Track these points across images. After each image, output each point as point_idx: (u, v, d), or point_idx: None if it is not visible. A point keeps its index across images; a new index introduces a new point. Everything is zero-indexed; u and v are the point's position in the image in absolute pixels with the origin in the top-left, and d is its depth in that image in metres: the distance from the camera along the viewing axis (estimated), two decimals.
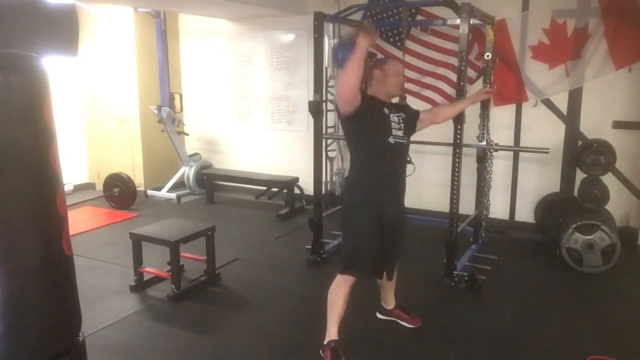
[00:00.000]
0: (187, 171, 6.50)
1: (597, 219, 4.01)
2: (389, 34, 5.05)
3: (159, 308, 3.50)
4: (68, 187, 6.32)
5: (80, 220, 5.41)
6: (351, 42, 2.48)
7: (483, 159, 4.46)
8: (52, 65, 2.64)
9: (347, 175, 3.03)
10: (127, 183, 5.95)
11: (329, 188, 5.79)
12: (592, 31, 4.46)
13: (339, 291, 2.78)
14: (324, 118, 4.62)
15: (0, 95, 1.86)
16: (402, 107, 2.93)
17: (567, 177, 4.88)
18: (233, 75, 6.57)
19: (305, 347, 2.93)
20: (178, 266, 3.65)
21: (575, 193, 4.57)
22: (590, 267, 3.98)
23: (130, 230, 3.84)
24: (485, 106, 4.32)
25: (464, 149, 3.78)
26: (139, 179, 6.43)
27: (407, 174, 2.95)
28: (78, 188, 6.70)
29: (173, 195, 6.32)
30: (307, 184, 5.66)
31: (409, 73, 4.89)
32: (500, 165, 4.92)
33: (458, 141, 3.67)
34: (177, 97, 6.49)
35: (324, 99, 4.66)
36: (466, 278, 3.73)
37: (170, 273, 3.62)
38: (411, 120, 2.93)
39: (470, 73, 4.76)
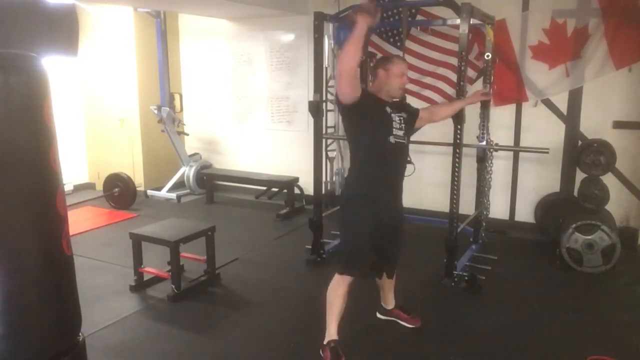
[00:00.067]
0: (187, 171, 6.50)
1: (597, 219, 4.01)
2: (389, 34, 5.05)
3: (159, 308, 3.50)
4: (68, 187, 6.32)
5: (80, 220, 5.41)
6: (351, 22, 2.44)
7: (483, 159, 4.46)
8: (52, 65, 2.64)
9: (346, 175, 3.03)
10: (127, 183, 5.95)
11: (329, 188, 5.79)
12: (592, 31, 4.46)
13: (337, 290, 2.79)
14: (324, 118, 4.62)
15: (0, 95, 1.86)
16: (403, 107, 2.92)
17: (567, 177, 4.88)
18: (233, 75, 6.57)
19: (305, 347, 2.93)
20: (178, 266, 3.65)
21: (575, 193, 4.57)
22: (590, 267, 3.98)
23: (130, 230, 3.84)
24: (485, 106, 4.32)
25: (464, 149, 3.78)
26: (139, 179, 6.43)
27: (407, 173, 2.95)
28: (78, 188, 6.70)
29: (173, 195, 6.32)
30: (307, 184, 5.66)
31: (409, 73, 4.87)
32: (500, 165, 4.92)
33: (458, 141, 3.67)
34: (177, 97, 6.49)
35: (324, 99, 4.66)
36: (466, 278, 3.73)
37: (170, 273, 3.62)
38: (412, 119, 2.93)
39: (470, 73, 4.76)
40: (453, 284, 3.73)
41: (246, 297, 3.69)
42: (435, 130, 4.31)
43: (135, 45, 6.26)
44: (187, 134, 6.79)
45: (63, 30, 2.39)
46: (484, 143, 4.33)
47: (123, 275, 3.90)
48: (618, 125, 4.60)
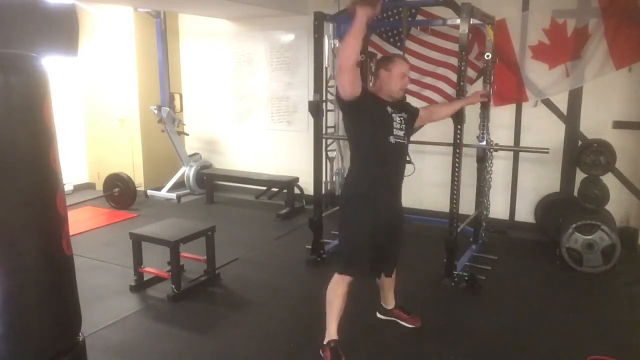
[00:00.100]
0: (187, 171, 6.50)
1: (597, 219, 4.01)
2: (389, 34, 5.05)
3: (159, 308, 3.50)
4: (68, 187, 6.32)
5: (80, 220, 5.41)
6: (351, 14, 2.41)
7: (483, 159, 4.46)
8: (52, 65, 2.64)
9: (346, 175, 3.03)
10: (127, 183, 5.95)
11: (329, 188, 5.79)
12: (592, 31, 4.46)
13: (337, 290, 2.79)
14: (324, 118, 4.62)
15: (0, 95, 1.86)
16: (404, 107, 2.91)
17: (567, 177, 4.88)
18: (233, 75, 6.57)
19: (305, 347, 2.93)
20: (178, 266, 3.65)
21: (575, 193, 4.57)
22: (590, 267, 3.98)
23: (130, 230, 3.84)
24: (485, 106, 4.32)
25: (464, 149, 3.78)
26: (139, 179, 6.43)
27: (407, 173, 2.95)
28: (78, 188, 6.70)
29: (173, 195, 6.32)
30: (307, 184, 5.66)
31: (409, 73, 4.88)
32: (500, 165, 4.92)
33: (458, 141, 3.67)
34: (177, 97, 6.49)
35: (324, 99, 4.66)
36: (466, 278, 3.73)
37: (170, 273, 3.62)
38: (412, 119, 2.93)
39: (470, 73, 4.76)
40: (453, 284, 3.73)
41: (246, 297, 3.69)
42: (435, 130, 4.32)
43: (135, 45, 6.26)
44: (187, 134, 6.79)
45: (63, 30, 2.39)
46: (484, 143, 4.33)
47: (123, 275, 3.90)
48: (618, 125, 4.59)
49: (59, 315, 2.13)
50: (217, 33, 6.51)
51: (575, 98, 4.74)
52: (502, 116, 4.95)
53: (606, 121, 4.63)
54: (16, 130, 1.92)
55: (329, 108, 5.55)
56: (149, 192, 6.49)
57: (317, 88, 4.11)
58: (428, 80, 5.03)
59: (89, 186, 6.90)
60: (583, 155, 4.25)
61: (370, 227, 2.74)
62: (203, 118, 6.87)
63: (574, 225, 3.99)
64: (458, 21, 3.62)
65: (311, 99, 4.17)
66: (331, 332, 2.79)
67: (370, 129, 2.71)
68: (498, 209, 5.07)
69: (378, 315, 3.27)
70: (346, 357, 2.75)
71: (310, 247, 4.29)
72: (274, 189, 6.21)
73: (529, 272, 4.10)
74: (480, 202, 4.56)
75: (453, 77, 4.64)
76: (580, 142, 4.72)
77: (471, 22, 3.61)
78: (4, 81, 1.87)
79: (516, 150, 4.98)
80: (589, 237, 3.96)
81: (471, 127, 4.23)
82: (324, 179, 5.13)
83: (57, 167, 2.08)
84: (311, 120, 4.25)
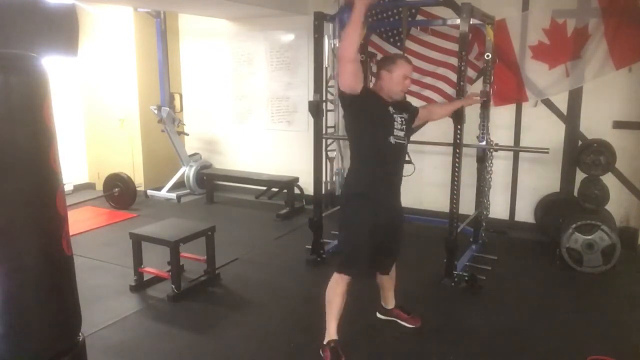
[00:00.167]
0: (187, 171, 6.50)
1: (597, 219, 4.01)
2: (389, 34, 5.05)
3: (159, 308, 3.50)
4: (68, 187, 6.32)
5: (80, 220, 5.41)
6: (349, 4, 2.41)
7: (483, 159, 4.47)
8: (52, 65, 2.64)
9: (346, 174, 3.03)
10: (127, 183, 5.95)
11: (329, 188, 5.80)
12: (592, 31, 4.46)
13: (336, 289, 2.79)
14: (324, 118, 4.62)
15: (0, 95, 1.86)
16: (405, 107, 2.89)
17: (567, 177, 4.88)
18: (233, 75, 6.57)
19: (305, 347, 2.93)
20: (178, 266, 3.65)
21: (575, 193, 4.57)
22: (590, 267, 3.98)
23: (130, 230, 3.84)
24: (485, 106, 4.32)
25: (464, 149, 3.78)
26: (139, 179, 6.43)
27: (407, 173, 2.95)
28: (78, 188, 6.70)
29: (173, 195, 6.32)
30: (307, 184, 5.66)
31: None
32: (500, 165, 4.92)
33: (458, 141, 3.67)
34: (177, 97, 6.49)
35: (324, 99, 4.66)
36: (466, 278, 3.73)
37: (170, 273, 3.62)
38: (412, 119, 2.93)
39: (470, 73, 4.76)
40: (453, 284, 3.73)
41: (246, 297, 3.69)
42: (435, 130, 4.32)
43: (135, 45, 6.26)
44: (187, 134, 6.79)
45: (63, 30, 2.39)
46: (484, 143, 4.33)
47: (123, 275, 3.90)
48: (618, 125, 4.59)
49: (59, 315, 2.13)
50: (217, 33, 6.51)
51: (575, 98, 4.74)
52: (502, 116, 4.95)
53: (606, 121, 4.63)
54: (16, 130, 1.92)
55: (329, 108, 5.55)
56: (149, 192, 6.49)
57: (317, 88, 4.11)
58: (428, 80, 5.03)
59: (89, 186, 6.90)
60: (583, 155, 4.25)
61: (370, 227, 2.73)
62: (203, 118, 6.87)
63: (574, 225, 3.99)
64: (458, 21, 3.62)
65: (311, 99, 4.17)
66: (331, 332, 2.80)
67: (370, 129, 2.70)
68: (498, 209, 5.07)
69: (378, 315, 3.27)
70: (346, 357, 2.75)
71: (310, 247, 4.29)
72: (274, 189, 6.21)
73: (529, 272, 4.10)
74: (480, 202, 4.56)
75: (453, 77, 4.64)
76: (580, 142, 4.72)
77: (471, 22, 3.62)
78: (4, 81, 1.87)
79: (516, 150, 4.98)
80: (589, 237, 3.96)
81: (471, 127, 4.23)
82: (324, 179, 5.13)
83: (57, 167, 2.07)
84: (311, 120, 4.25)
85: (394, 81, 2.69)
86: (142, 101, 6.36)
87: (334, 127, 5.71)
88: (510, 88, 4.83)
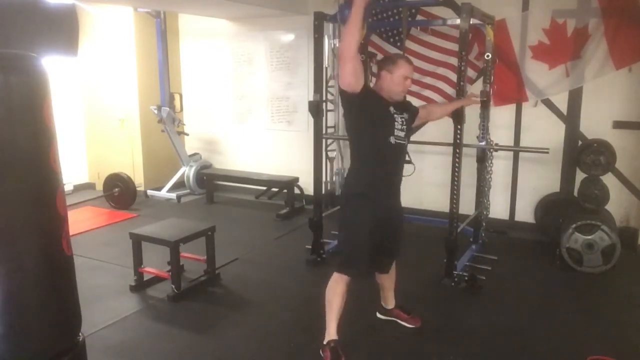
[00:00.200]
0: (187, 171, 6.50)
1: (597, 219, 4.01)
2: (389, 34, 5.05)
3: (159, 308, 3.50)
4: (68, 187, 6.32)
5: (80, 220, 5.41)
6: (350, 1, 2.40)
7: (483, 159, 4.47)
8: (52, 65, 2.64)
9: (346, 174, 3.03)
10: (127, 183, 5.95)
11: (329, 188, 5.80)
12: (592, 31, 4.46)
13: (336, 289, 2.79)
14: (324, 118, 4.62)
15: (0, 95, 1.86)
16: (406, 107, 2.89)
17: (567, 177, 4.88)
18: (233, 75, 6.57)
19: (305, 347, 2.93)
20: (178, 266, 3.65)
21: (575, 193, 4.57)
22: (590, 267, 3.98)
23: (130, 230, 3.84)
24: (485, 106, 4.32)
25: (464, 149, 3.78)
26: (139, 179, 6.43)
27: (407, 173, 2.95)
28: (78, 188, 6.70)
29: (173, 195, 6.32)
30: (307, 184, 5.66)
31: None
32: (500, 165, 4.92)
33: (458, 141, 3.67)
34: (177, 97, 6.49)
35: (324, 99, 4.66)
36: (466, 278, 3.73)
37: (170, 273, 3.62)
38: (412, 119, 2.93)
39: (470, 73, 4.76)
40: (453, 284, 3.73)
41: (246, 297, 3.69)
42: (435, 130, 4.33)
43: (135, 45, 6.26)
44: (187, 134, 6.79)
45: (63, 30, 2.39)
46: (484, 143, 4.33)
47: (123, 275, 3.90)
48: (618, 125, 4.60)
49: (59, 315, 2.13)
50: (217, 33, 6.51)
51: (575, 98, 4.74)
52: (502, 116, 4.95)
53: (606, 121, 4.63)
54: (16, 130, 1.92)
55: (329, 108, 5.55)
56: (149, 192, 6.49)
57: (317, 88, 4.11)
58: (428, 80, 5.03)
59: (89, 186, 6.90)
60: (583, 155, 4.25)
61: (370, 227, 2.73)
62: (203, 118, 6.87)
63: (574, 225, 3.99)
64: (458, 21, 3.62)
65: (311, 99, 4.17)
66: (331, 332, 2.79)
67: (370, 129, 2.70)
68: (498, 209, 5.07)
69: (378, 315, 3.27)
70: (346, 357, 2.75)
71: (310, 247, 4.29)
72: (274, 189, 6.21)
73: (529, 272, 4.10)
74: (480, 202, 4.56)
75: (453, 77, 4.64)
76: (580, 142, 4.72)
77: (471, 22, 3.62)
78: (4, 81, 1.87)
79: (516, 150, 4.98)
80: (589, 237, 3.96)
81: (471, 127, 4.23)
82: (324, 179, 5.13)
83: (57, 167, 2.07)
84: (311, 120, 4.25)
85: (395, 82, 2.68)
86: (142, 101, 6.36)
87: (334, 127, 5.71)
88: (510, 88, 4.83)
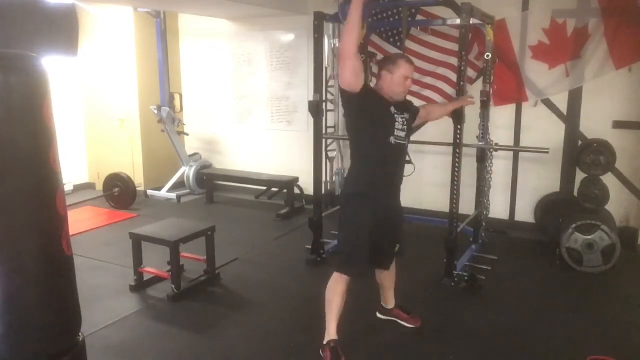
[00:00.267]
0: (187, 171, 6.50)
1: (597, 219, 4.01)
2: (389, 34, 5.05)
3: (159, 308, 3.50)
4: (68, 187, 6.32)
5: (80, 220, 5.41)
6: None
7: (483, 159, 4.47)
8: (52, 65, 2.64)
9: (346, 174, 3.02)
10: (127, 183, 5.95)
11: (329, 188, 5.80)
12: (592, 31, 4.46)
13: (336, 289, 2.78)
14: (324, 118, 4.62)
15: (0, 95, 1.86)
16: (407, 107, 2.88)
17: (567, 177, 4.88)
18: (233, 75, 6.57)
19: (305, 347, 2.93)
20: (178, 266, 3.65)
21: (575, 193, 4.57)
22: (590, 267, 3.98)
23: (130, 230, 3.84)
24: (485, 106, 4.32)
25: (464, 149, 3.78)
26: (139, 179, 6.43)
27: (407, 173, 2.95)
28: (78, 188, 6.70)
29: (173, 195, 6.32)
30: (307, 184, 5.66)
31: None
32: (500, 165, 4.92)
33: (458, 141, 3.67)
34: (177, 97, 6.49)
35: (324, 99, 4.66)
36: (466, 278, 3.73)
37: (170, 273, 3.62)
38: (413, 120, 2.93)
39: (470, 73, 4.76)
40: (453, 284, 3.73)
41: (246, 297, 3.69)
42: (435, 130, 4.33)
43: (135, 45, 6.26)
44: (187, 134, 6.79)
45: (63, 30, 2.39)
46: (484, 143, 4.33)
47: (123, 275, 3.90)
48: (618, 125, 4.59)
49: (59, 315, 2.13)
50: (217, 33, 6.51)
51: (575, 98, 4.74)
52: (502, 116, 4.95)
53: (606, 121, 4.63)
54: (16, 130, 1.92)
55: (329, 108, 5.55)
56: (149, 192, 6.49)
57: (317, 88, 4.11)
58: (428, 80, 5.04)
59: (89, 186, 6.90)
60: (583, 155, 4.25)
61: (370, 227, 2.73)
62: (203, 118, 6.87)
63: (574, 225, 3.99)
64: (458, 21, 3.62)
65: (311, 99, 4.17)
66: (331, 332, 2.79)
67: (370, 129, 2.70)
68: (498, 209, 5.07)
69: (378, 315, 3.27)
70: (346, 357, 2.75)
71: (310, 247, 4.29)
72: (274, 189, 6.21)
73: (529, 272, 4.10)
74: (480, 202, 4.56)
75: (453, 77, 4.65)
76: (580, 142, 4.72)
77: (471, 22, 3.62)
78: (4, 81, 1.87)
79: (516, 150, 4.98)
80: (589, 237, 3.96)
81: (471, 127, 4.23)
82: (324, 179, 5.13)
83: (57, 167, 2.07)
84: (311, 120, 4.25)
85: (395, 82, 2.68)
86: (142, 101, 6.36)
87: (334, 127, 5.71)
88: (510, 88, 4.83)
